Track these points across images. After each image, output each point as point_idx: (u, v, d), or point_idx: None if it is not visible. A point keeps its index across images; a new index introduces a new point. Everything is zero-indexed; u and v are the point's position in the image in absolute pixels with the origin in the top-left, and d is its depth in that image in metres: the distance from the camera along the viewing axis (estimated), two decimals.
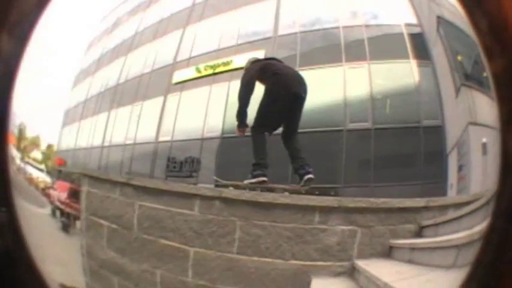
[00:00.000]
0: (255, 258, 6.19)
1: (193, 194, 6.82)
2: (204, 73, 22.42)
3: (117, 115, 24.69)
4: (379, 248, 5.52)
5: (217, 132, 21.28)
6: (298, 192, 7.73)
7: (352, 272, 5.43)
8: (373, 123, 18.76)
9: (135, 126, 23.16)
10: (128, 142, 21.71)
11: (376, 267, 4.43)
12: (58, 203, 20.17)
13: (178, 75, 22.23)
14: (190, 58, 24.20)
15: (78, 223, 19.98)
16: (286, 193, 6.50)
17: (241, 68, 19.97)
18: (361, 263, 5.24)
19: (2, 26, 1.36)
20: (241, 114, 7.95)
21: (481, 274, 1.48)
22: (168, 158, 21.08)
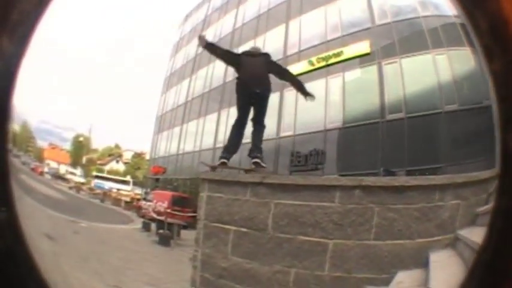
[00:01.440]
0: (389, 242, 6.60)
1: (333, 186, 7.12)
2: (317, 65, 23.44)
3: (229, 114, 25.36)
4: (470, 217, 5.95)
5: (338, 123, 21.90)
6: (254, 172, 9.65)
7: (455, 242, 5.80)
8: (459, 105, 19.22)
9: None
10: (246, 141, 22.09)
11: (474, 235, 4.57)
12: (154, 215, 20.96)
13: (293, 69, 22.71)
14: (300, 51, 25.05)
15: (183, 233, 20.28)
16: (406, 177, 6.75)
17: (353, 58, 20.78)
18: (463, 233, 5.64)
19: (3, 26, 1.42)
20: None
21: (481, 274, 1.55)
22: (292, 152, 21.73)
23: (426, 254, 5.63)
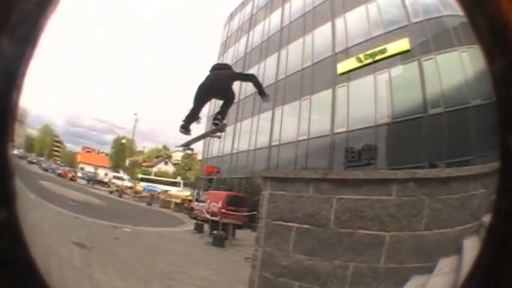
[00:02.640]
0: (436, 231, 6.98)
1: (390, 179, 7.45)
2: (365, 62, 24.50)
3: (283, 112, 26.53)
4: (489, 204, 6.19)
5: (387, 118, 22.76)
6: None
7: (479, 229, 5.92)
8: (482, 100, 19.93)
9: (307, 121, 24.86)
10: (302, 138, 23.00)
11: None
12: (208, 215, 21.58)
13: (342, 66, 23.97)
14: (348, 48, 26.04)
15: (238, 233, 20.66)
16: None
17: (396, 55, 21.89)
18: (485, 219, 5.84)
19: (3, 26, 1.44)
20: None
21: (481, 274, 1.58)
22: (346, 148, 22.60)
23: (461, 240, 5.88)
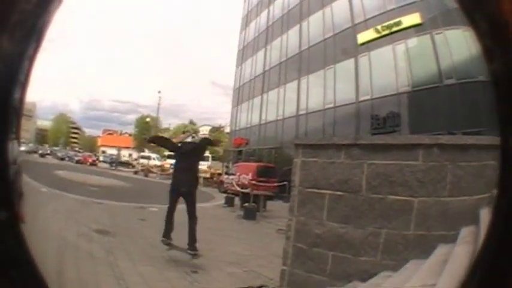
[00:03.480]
0: (459, 198, 7.17)
1: (417, 144, 7.74)
2: (383, 33, 25.35)
3: (309, 82, 27.42)
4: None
5: (408, 87, 23.53)
6: None
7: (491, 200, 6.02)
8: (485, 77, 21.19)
9: (332, 89, 25.69)
10: (328, 106, 23.78)
11: None
12: (238, 188, 22.08)
13: (362, 37, 24.87)
14: (366, 20, 26.84)
15: (268, 204, 20.92)
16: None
17: (410, 27, 22.82)
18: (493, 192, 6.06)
19: (3, 26, 1.44)
20: None
21: (481, 274, 1.59)
22: (371, 116, 23.25)
23: (478, 210, 5.83)
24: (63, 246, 11.45)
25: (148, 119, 61.05)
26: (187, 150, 13.67)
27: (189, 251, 12.41)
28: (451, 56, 25.06)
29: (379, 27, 29.59)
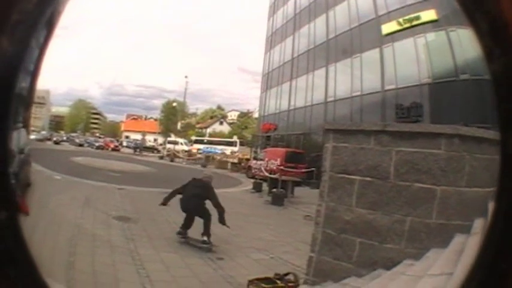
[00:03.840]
0: (474, 189, 7.29)
1: (440, 133, 7.80)
2: (404, 26, 26.05)
3: (336, 70, 28.12)
4: None
5: (428, 79, 24.06)
6: None
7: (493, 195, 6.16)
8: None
9: (359, 78, 26.29)
10: (355, 94, 24.35)
11: None
12: (266, 173, 22.48)
13: (386, 28, 25.58)
14: (388, 12, 27.49)
15: (296, 190, 21.10)
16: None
17: (427, 23, 23.53)
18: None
19: (3, 26, 1.42)
20: None
21: (481, 274, 1.57)
22: (396, 105, 23.71)
23: (487, 202, 5.39)
24: (78, 235, 11.71)
25: (175, 104, 61.43)
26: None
27: (203, 244, 12.74)
28: (464, 52, 25.44)
29: (401, 19, 30.18)
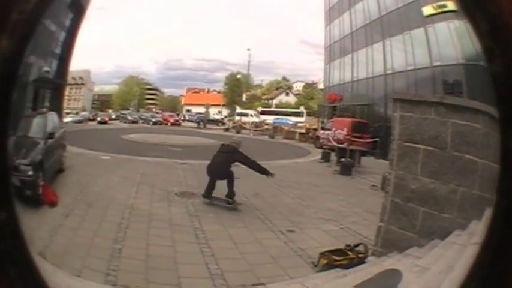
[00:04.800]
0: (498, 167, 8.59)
1: (480, 110, 8.51)
2: (438, 11, 28.14)
3: (392, 44, 30.39)
4: None
5: (462, 60, 25.95)
6: None
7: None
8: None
9: (411, 53, 28.41)
10: (409, 68, 26.54)
11: None
12: (334, 143, 24.62)
13: (425, 10, 27.78)
14: None
15: (362, 160, 22.35)
16: None
17: (451, 12, 25.75)
18: None
19: (3, 26, 1.39)
20: None
21: (481, 274, 1.54)
22: (443, 81, 25.80)
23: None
24: (129, 218, 11.89)
25: (239, 76, 61.23)
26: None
27: (227, 204, 13.97)
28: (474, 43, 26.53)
29: (434, 5, 30.98)
